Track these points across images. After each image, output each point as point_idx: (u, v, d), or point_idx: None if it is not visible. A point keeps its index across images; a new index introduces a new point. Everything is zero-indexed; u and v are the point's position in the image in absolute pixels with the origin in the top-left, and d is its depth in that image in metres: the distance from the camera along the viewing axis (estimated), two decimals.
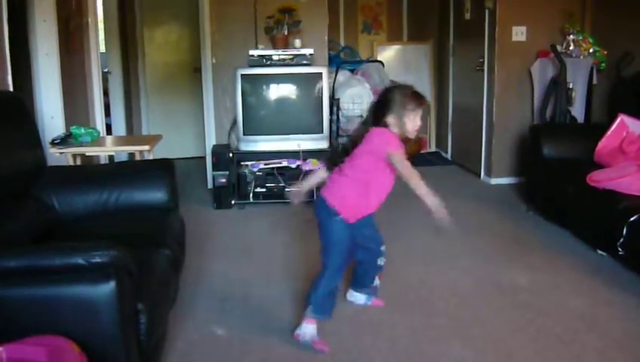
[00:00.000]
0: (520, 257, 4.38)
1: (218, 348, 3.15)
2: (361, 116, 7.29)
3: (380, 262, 3.49)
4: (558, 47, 5.94)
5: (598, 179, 4.39)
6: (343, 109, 7.31)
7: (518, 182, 6.30)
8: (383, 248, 3.47)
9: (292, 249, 4.61)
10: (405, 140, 3.10)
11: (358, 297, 3.62)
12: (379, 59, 8.03)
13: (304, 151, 5.64)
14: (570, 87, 5.88)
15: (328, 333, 3.22)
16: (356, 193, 3.16)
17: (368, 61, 7.91)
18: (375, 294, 3.61)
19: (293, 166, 5.62)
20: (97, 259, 2.19)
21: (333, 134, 7.12)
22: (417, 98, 3.07)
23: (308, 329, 3.14)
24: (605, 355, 3.03)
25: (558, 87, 5.82)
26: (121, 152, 5.63)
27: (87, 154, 4.72)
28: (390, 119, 3.06)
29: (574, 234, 4.71)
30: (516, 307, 3.58)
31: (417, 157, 7.91)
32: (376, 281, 3.57)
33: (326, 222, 3.23)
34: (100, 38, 6.26)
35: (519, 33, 6.29)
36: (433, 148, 8.41)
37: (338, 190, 3.19)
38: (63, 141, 4.48)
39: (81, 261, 2.18)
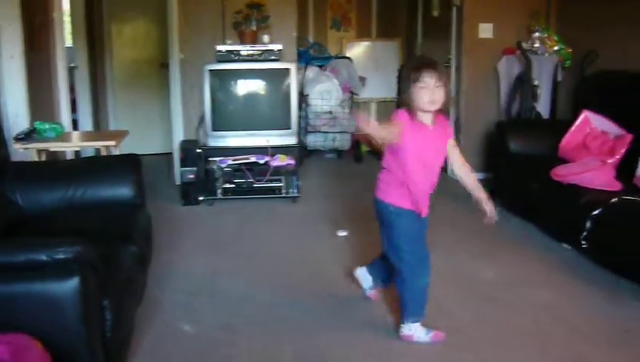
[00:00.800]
0: (486, 251, 4.43)
1: (186, 344, 3.13)
2: (330, 112, 7.33)
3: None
4: (524, 45, 6.01)
5: (563, 173, 4.45)
6: (312, 105, 7.33)
7: (485, 178, 6.33)
8: None
9: (260, 245, 4.61)
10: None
11: (364, 278, 3.53)
12: (348, 55, 8.05)
13: (272, 147, 5.63)
14: (536, 83, 5.94)
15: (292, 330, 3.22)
16: (396, 182, 3.04)
17: (337, 57, 7.92)
18: (375, 287, 3.54)
19: (262, 162, 5.60)
20: (61, 256, 2.17)
21: (302, 130, 7.14)
22: (418, 68, 2.89)
23: (418, 332, 3.12)
24: (570, 346, 3.08)
25: (523, 83, 5.89)
26: (87, 148, 5.57)
27: (51, 149, 4.66)
28: (404, 97, 2.93)
29: (540, 227, 4.77)
30: (482, 300, 3.62)
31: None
32: (383, 286, 3.52)
33: (387, 221, 3.14)
34: (66, 34, 6.19)
35: (486, 30, 6.34)
36: None
37: (385, 186, 3.10)
38: (27, 136, 4.42)
39: (44, 257, 2.16)
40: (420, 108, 2.91)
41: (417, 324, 3.14)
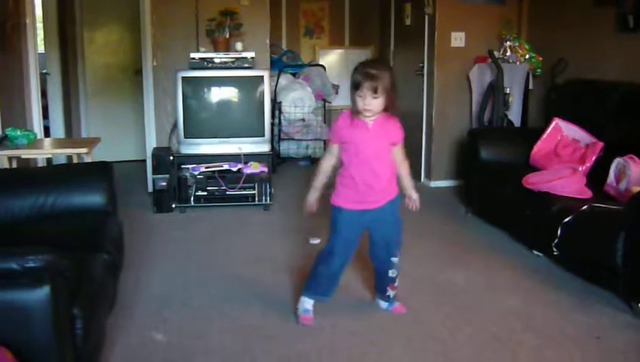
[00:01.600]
0: (458, 258, 4.45)
1: (157, 353, 3.11)
2: (303, 120, 7.34)
3: (392, 274, 3.48)
4: (496, 53, 6.07)
5: (534, 181, 4.49)
6: (285, 113, 7.34)
7: (458, 185, 6.40)
8: (394, 259, 3.45)
9: (233, 253, 4.59)
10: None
11: (380, 302, 3.61)
12: (321, 63, 8.08)
13: (245, 155, 5.62)
14: (507, 92, 6.01)
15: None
16: (343, 181, 3.31)
17: (310, 65, 7.96)
18: (393, 302, 3.58)
19: (235, 169, 5.59)
20: (31, 264, 2.14)
21: (275, 138, 7.14)
22: (360, 78, 3.10)
23: (301, 302, 3.44)
24: (541, 353, 3.10)
25: (495, 91, 5.95)
26: (59, 155, 5.53)
27: (23, 156, 4.62)
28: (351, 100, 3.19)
29: (511, 235, 4.81)
30: (454, 307, 3.63)
31: None
32: (389, 292, 3.53)
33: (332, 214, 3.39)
34: (38, 39, 6.14)
35: (458, 39, 6.40)
36: None
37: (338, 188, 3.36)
38: None
39: (14, 266, 2.13)
40: (360, 113, 3.17)
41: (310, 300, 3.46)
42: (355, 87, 3.11)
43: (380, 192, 3.30)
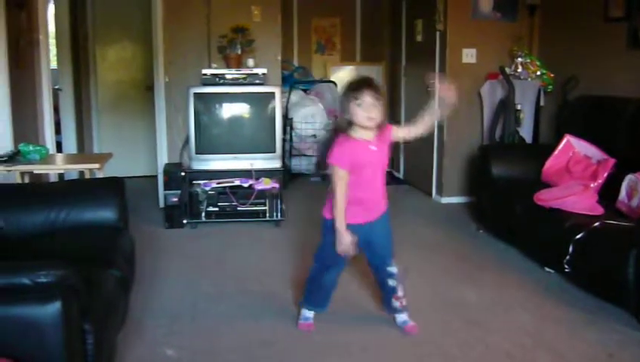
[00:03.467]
0: (469, 275, 4.44)
1: None
2: (314, 136, 7.35)
3: (391, 283, 3.45)
4: (507, 70, 6.07)
5: (545, 198, 4.48)
6: (297, 129, 7.36)
7: (469, 201, 6.38)
8: (390, 269, 3.44)
9: (244, 269, 4.59)
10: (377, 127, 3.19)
11: (396, 317, 3.58)
12: (332, 79, 8.10)
13: (257, 171, 5.63)
14: (519, 108, 6.00)
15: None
16: (333, 200, 3.26)
17: (322, 81, 7.98)
18: (407, 321, 3.55)
19: (246, 185, 5.60)
20: (43, 279, 2.15)
21: (286, 154, 7.15)
22: (358, 87, 3.12)
23: (302, 313, 3.58)
24: None
25: (506, 108, 5.94)
26: (71, 170, 5.54)
27: (35, 172, 4.65)
28: (343, 116, 3.17)
29: (523, 252, 4.79)
30: (466, 324, 3.62)
31: None
32: (395, 303, 3.51)
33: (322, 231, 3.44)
34: (51, 55, 6.18)
35: (469, 55, 6.41)
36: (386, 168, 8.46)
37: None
38: (11, 159, 4.40)
39: (26, 281, 2.15)
40: (359, 125, 3.13)
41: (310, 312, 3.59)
42: (354, 98, 3.09)
43: (380, 203, 3.39)
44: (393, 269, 3.45)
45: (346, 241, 3.20)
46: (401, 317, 3.56)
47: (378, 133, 3.21)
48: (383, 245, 3.43)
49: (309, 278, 3.56)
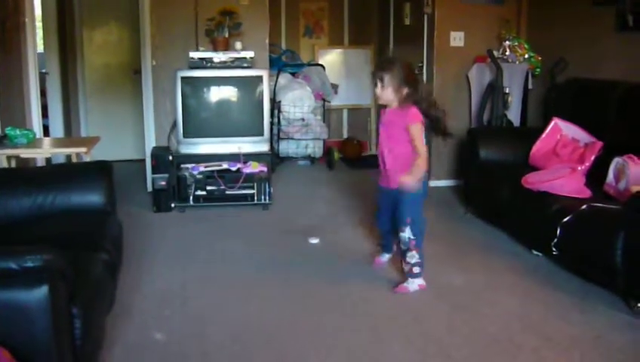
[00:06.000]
0: (457, 258, 4.45)
1: (156, 353, 3.11)
2: (302, 119, 7.34)
3: (402, 246, 3.86)
4: (495, 53, 6.06)
5: (533, 181, 4.49)
6: (284, 112, 7.33)
7: (457, 185, 6.40)
8: (402, 234, 3.82)
9: (232, 252, 4.59)
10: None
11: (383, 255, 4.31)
12: (320, 62, 8.07)
13: (245, 154, 5.62)
14: (507, 91, 6.00)
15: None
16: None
17: (310, 65, 7.95)
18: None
19: (234, 169, 5.59)
20: (30, 264, 2.14)
21: (274, 137, 7.13)
22: (373, 70, 3.85)
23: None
24: (540, 354, 3.10)
25: (494, 91, 5.94)
26: (58, 154, 5.52)
27: (22, 156, 4.62)
28: None
29: (511, 235, 4.81)
30: (453, 307, 3.64)
31: (358, 159, 7.99)
32: (404, 267, 3.90)
33: None
34: (37, 38, 6.13)
35: (457, 38, 6.40)
36: (374, 151, 8.46)
37: None
38: None
39: (13, 265, 2.13)
40: (381, 101, 3.82)
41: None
42: (372, 77, 3.80)
43: (397, 173, 3.76)
44: (404, 236, 3.80)
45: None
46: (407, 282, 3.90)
47: (396, 109, 3.76)
48: (400, 211, 3.81)
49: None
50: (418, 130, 3.70)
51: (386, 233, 4.19)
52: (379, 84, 3.70)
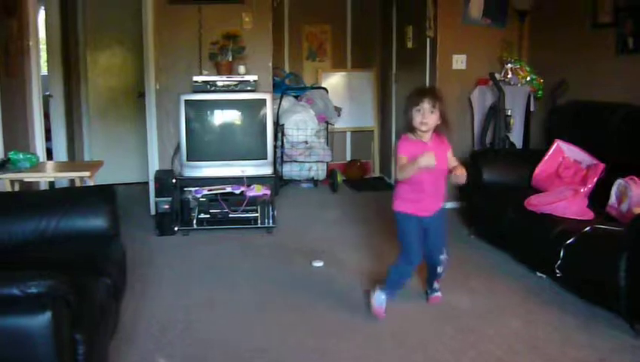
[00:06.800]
0: (461, 280, 4.44)
1: None
2: (306, 142, 7.35)
3: (439, 269, 3.91)
4: (497, 76, 6.09)
5: (536, 203, 4.49)
6: (288, 135, 7.35)
7: (460, 207, 6.39)
8: (442, 257, 3.87)
9: (236, 276, 4.58)
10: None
11: (429, 293, 4.11)
12: (323, 85, 8.10)
13: (248, 177, 5.63)
14: (509, 113, 6.01)
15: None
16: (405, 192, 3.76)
17: (313, 88, 7.97)
18: (434, 292, 4.07)
19: (237, 192, 5.60)
20: (33, 289, 2.14)
21: (278, 160, 7.15)
22: (418, 94, 3.61)
23: (376, 295, 3.76)
24: None
25: (496, 113, 5.96)
26: (61, 179, 5.53)
27: (25, 180, 4.63)
28: (406, 117, 3.65)
29: (514, 257, 4.80)
30: (458, 330, 3.62)
31: (361, 181, 8.00)
32: (436, 285, 4.06)
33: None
34: (41, 61, 6.16)
35: (459, 61, 6.43)
36: (377, 173, 8.49)
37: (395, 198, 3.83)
38: (1, 166, 4.39)
39: (16, 291, 2.14)
40: (417, 128, 3.58)
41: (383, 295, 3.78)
42: (414, 103, 3.56)
43: (437, 201, 3.80)
44: (443, 258, 3.88)
45: (427, 156, 3.46)
46: (434, 293, 4.06)
47: (434, 138, 3.66)
48: (438, 236, 3.84)
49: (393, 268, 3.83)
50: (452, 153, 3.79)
51: (428, 265, 4.00)
52: (429, 109, 3.54)
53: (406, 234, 3.75)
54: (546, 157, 5.02)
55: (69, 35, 7.43)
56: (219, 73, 6.04)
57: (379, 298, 3.74)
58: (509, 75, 6.18)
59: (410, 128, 3.62)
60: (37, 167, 4.67)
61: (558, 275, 4.08)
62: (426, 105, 3.54)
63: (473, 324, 3.70)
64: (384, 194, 7.41)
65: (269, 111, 5.72)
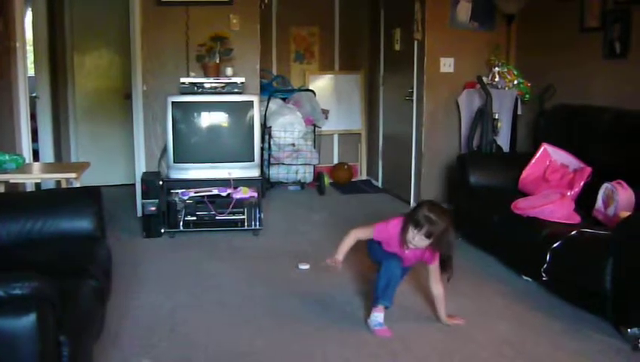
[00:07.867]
0: (448, 283, 4.43)
1: None
2: (293, 144, 7.35)
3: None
4: (484, 79, 6.11)
5: (523, 206, 4.50)
6: (275, 137, 7.34)
7: (447, 210, 6.39)
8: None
9: (222, 278, 4.57)
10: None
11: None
12: (311, 88, 8.10)
13: (235, 179, 5.61)
14: (496, 117, 6.03)
15: None
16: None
17: (300, 90, 7.97)
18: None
19: (224, 194, 5.57)
20: (17, 291, 2.12)
21: (265, 162, 7.14)
22: (423, 219, 3.45)
23: (371, 318, 3.65)
24: None
25: (484, 117, 5.97)
26: (47, 180, 5.50)
27: (11, 181, 4.60)
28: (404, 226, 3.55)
29: (500, 260, 4.81)
30: (444, 333, 3.63)
31: (348, 184, 8.00)
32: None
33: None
34: (28, 62, 6.12)
35: (447, 65, 6.45)
36: (364, 176, 8.50)
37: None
38: None
39: (0, 293, 2.12)
40: (403, 240, 3.53)
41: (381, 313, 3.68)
42: (415, 223, 3.45)
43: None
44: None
45: (337, 257, 3.70)
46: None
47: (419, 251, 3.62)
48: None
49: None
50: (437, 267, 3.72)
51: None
52: (421, 235, 3.46)
53: (381, 255, 3.77)
54: (533, 161, 5.04)
55: (55, 36, 7.39)
56: (206, 75, 6.03)
57: (374, 321, 3.62)
58: (497, 79, 6.21)
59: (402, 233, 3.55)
60: (23, 168, 4.64)
61: (544, 279, 4.09)
62: (423, 232, 3.44)
63: (460, 328, 3.70)
64: (371, 197, 7.44)
65: (256, 114, 5.71)
